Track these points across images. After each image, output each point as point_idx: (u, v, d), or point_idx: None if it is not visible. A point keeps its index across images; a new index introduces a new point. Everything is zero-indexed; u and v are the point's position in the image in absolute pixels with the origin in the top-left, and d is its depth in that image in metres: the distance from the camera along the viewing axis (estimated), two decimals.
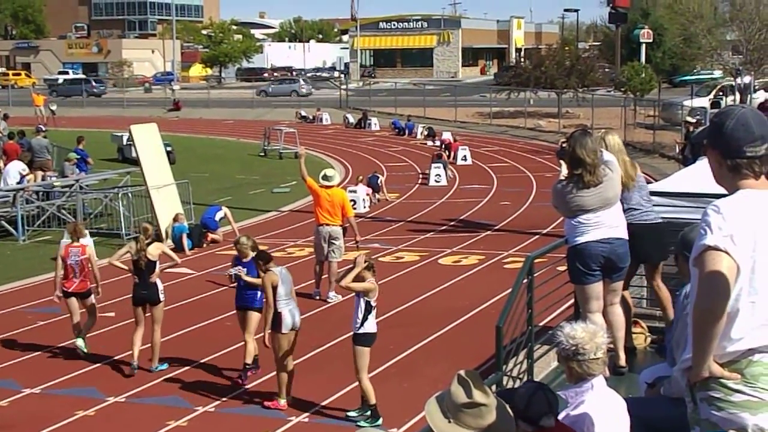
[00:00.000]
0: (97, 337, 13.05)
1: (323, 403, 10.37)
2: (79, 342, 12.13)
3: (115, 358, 12.17)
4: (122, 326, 13.55)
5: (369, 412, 9.68)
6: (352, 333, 9.50)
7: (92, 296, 12.30)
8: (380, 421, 9.56)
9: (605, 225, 7.11)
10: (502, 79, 53.72)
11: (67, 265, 12.05)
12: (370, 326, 9.40)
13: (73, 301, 12.19)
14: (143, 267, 11.45)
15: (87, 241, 12.73)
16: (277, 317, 9.95)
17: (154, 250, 11.56)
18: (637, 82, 43.08)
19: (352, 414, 9.80)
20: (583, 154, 7.02)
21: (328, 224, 14.90)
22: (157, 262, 11.60)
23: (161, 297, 11.56)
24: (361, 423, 9.51)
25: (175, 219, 19.61)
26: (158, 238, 12.31)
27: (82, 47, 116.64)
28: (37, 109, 50.28)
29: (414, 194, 26.93)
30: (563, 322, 4.88)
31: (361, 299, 9.34)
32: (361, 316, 9.33)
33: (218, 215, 20.16)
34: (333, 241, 14.90)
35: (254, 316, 11.05)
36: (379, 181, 26.11)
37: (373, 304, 9.38)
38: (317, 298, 14.92)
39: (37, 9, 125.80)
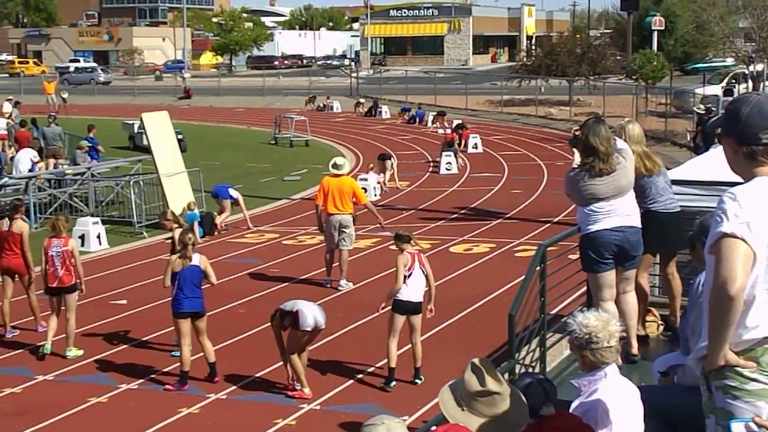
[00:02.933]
0: (109, 324, 13.10)
1: (335, 391, 10.40)
2: (48, 346, 11.73)
3: (127, 345, 12.22)
4: (134, 313, 13.62)
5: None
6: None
7: (76, 293, 11.97)
8: (393, 383, 10.25)
9: (618, 213, 7.09)
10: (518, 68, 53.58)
11: (48, 257, 11.81)
12: (400, 295, 10.02)
13: (54, 300, 11.93)
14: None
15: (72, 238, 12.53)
16: (295, 316, 9.95)
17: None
18: (649, 69, 42.89)
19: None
20: (596, 142, 7.00)
21: (338, 213, 14.90)
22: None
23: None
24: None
25: (188, 207, 19.63)
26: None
27: (93, 35, 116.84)
28: (49, 97, 50.32)
29: (425, 182, 26.91)
30: (576, 310, 4.87)
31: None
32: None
33: (232, 192, 20.10)
34: (343, 230, 14.90)
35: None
36: (391, 163, 25.91)
37: (406, 273, 9.98)
38: (328, 286, 14.94)
39: None
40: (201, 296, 10.64)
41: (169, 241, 12.03)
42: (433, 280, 10.32)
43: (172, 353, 11.47)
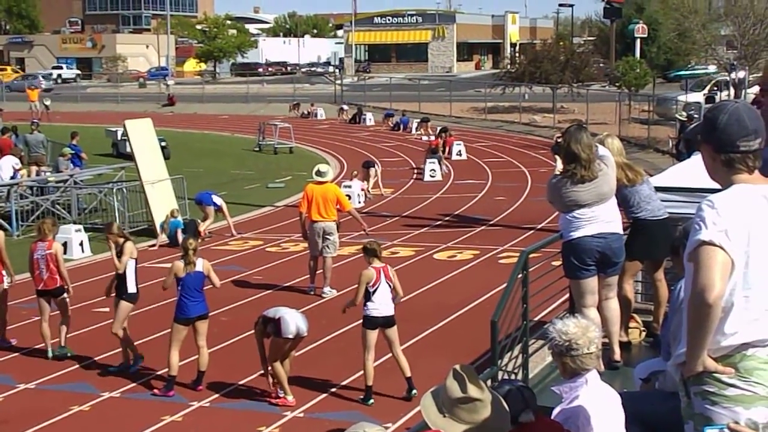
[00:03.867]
0: (91, 332, 13.05)
1: (319, 399, 10.38)
2: (50, 353, 11.99)
3: (110, 353, 12.17)
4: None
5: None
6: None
7: (64, 295, 12.10)
8: (371, 401, 10.11)
9: (600, 220, 7.12)
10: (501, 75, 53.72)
11: (33, 261, 11.93)
12: (367, 310, 10.02)
13: (44, 302, 12.04)
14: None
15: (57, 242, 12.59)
16: (277, 323, 9.94)
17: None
18: (632, 77, 43.12)
19: None
20: (578, 149, 7.03)
21: (322, 220, 14.90)
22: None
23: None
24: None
25: (171, 214, 19.57)
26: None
27: (77, 42, 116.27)
28: (32, 104, 50.15)
29: (409, 189, 26.94)
30: (557, 317, 4.89)
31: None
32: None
33: (215, 199, 20.05)
34: (327, 237, 14.90)
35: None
36: (375, 170, 25.94)
37: (371, 289, 9.95)
38: (312, 293, 14.94)
39: (31, 4, 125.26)
40: (204, 300, 10.76)
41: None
42: (401, 291, 10.24)
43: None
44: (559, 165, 7.44)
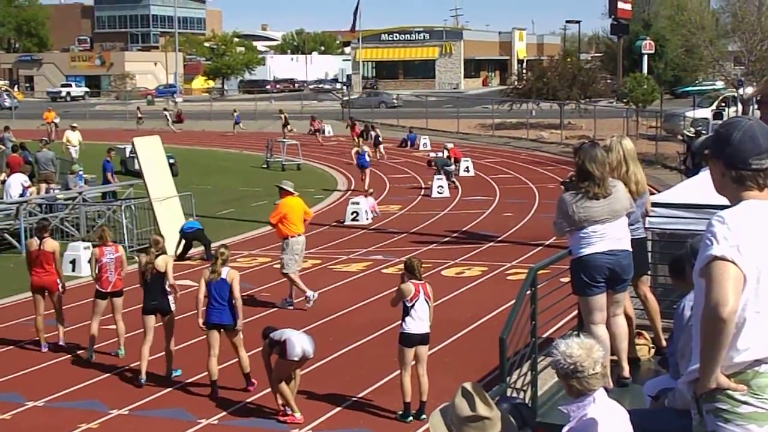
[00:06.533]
0: (101, 348, 13.04)
1: (327, 416, 10.35)
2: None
3: (119, 370, 12.16)
4: (126, 338, 13.54)
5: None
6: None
7: (122, 297, 12.90)
8: (410, 418, 10.03)
9: (610, 237, 7.13)
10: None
11: (102, 265, 12.58)
12: (406, 327, 9.86)
13: (106, 303, 12.74)
14: (149, 279, 11.56)
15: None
16: (283, 345, 9.93)
17: (161, 262, 11.60)
18: (639, 93, 43.10)
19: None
20: (592, 168, 7.07)
21: (301, 233, 15.25)
22: (168, 273, 11.59)
23: (172, 307, 11.68)
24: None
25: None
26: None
27: (85, 60, 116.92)
28: (48, 125, 50.53)
29: (416, 206, 26.94)
30: (558, 339, 4.83)
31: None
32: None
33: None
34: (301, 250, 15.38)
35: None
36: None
37: (408, 304, 9.81)
38: (290, 307, 15.08)
39: (40, 22, 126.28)
40: (228, 309, 10.92)
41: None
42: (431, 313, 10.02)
43: (173, 374, 11.67)
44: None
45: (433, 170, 30.56)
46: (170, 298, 11.66)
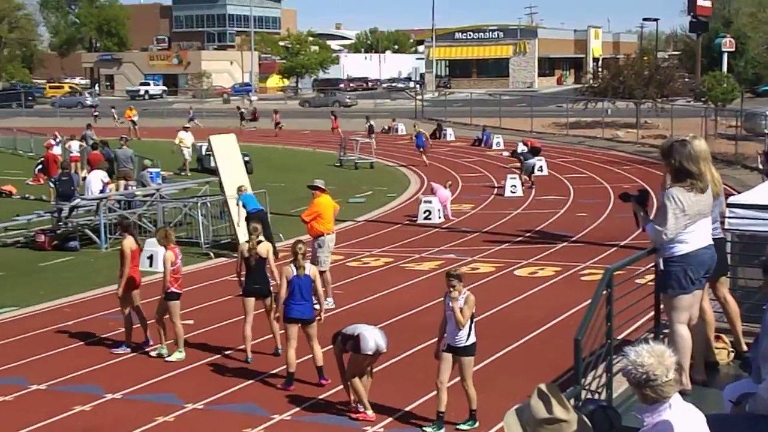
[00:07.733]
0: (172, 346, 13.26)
1: (399, 414, 10.36)
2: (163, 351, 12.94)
3: (194, 365, 12.36)
4: (201, 333, 13.77)
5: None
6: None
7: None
8: (476, 424, 9.88)
9: (707, 230, 7.22)
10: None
11: (178, 266, 12.80)
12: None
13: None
14: (252, 264, 12.20)
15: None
16: (356, 340, 9.97)
17: (263, 249, 12.26)
18: (719, 92, 42.24)
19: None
20: (690, 166, 7.06)
21: (332, 231, 15.55)
22: (270, 259, 12.30)
23: (272, 290, 12.26)
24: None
25: (240, 190, 19.30)
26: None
27: (163, 59, 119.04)
28: (130, 123, 51.69)
29: (489, 205, 26.81)
30: (627, 347, 4.65)
31: None
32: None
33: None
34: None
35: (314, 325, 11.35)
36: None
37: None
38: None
39: (120, 22, 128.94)
40: (310, 304, 11.22)
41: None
42: (460, 316, 9.81)
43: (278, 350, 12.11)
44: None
45: (509, 168, 30.43)
46: (270, 281, 12.25)
